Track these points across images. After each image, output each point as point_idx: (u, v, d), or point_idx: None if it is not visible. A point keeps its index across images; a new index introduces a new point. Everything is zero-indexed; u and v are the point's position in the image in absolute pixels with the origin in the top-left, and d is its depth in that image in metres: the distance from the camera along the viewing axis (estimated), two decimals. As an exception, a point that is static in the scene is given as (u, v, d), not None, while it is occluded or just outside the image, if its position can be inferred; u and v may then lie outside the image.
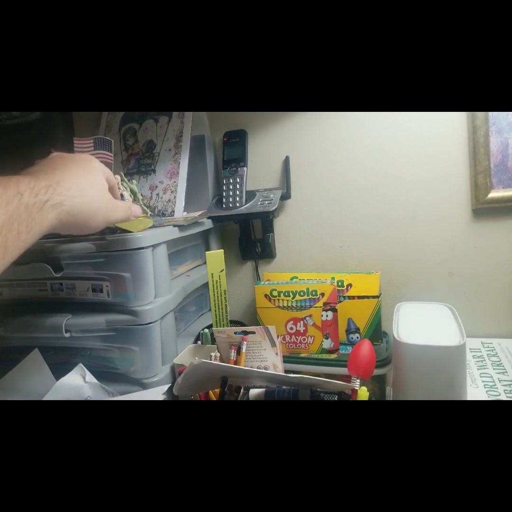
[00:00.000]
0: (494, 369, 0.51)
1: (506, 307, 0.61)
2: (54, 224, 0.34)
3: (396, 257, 0.66)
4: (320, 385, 0.41)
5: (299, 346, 0.60)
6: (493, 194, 0.61)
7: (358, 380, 0.41)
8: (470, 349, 0.57)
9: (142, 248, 0.47)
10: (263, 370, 0.41)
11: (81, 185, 0.36)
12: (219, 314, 0.58)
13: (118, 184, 0.51)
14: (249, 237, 0.74)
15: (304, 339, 0.59)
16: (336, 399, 0.42)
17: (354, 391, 0.41)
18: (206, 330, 0.57)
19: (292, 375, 0.41)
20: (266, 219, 0.71)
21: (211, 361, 0.39)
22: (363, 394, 0.40)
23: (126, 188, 0.58)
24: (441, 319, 0.48)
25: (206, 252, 0.56)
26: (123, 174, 0.59)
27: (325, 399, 0.43)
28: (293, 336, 0.60)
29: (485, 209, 0.62)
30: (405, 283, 0.66)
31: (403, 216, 0.66)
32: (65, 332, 0.48)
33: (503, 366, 0.52)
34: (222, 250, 0.57)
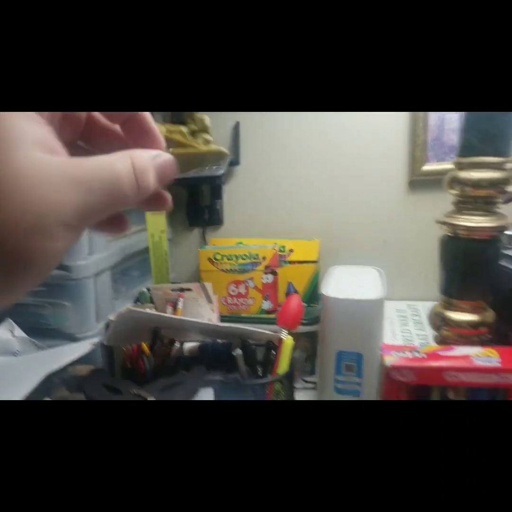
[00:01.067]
0: (414, 326, 0.56)
1: (431, 273, 0.66)
2: None
3: (336, 225, 0.69)
4: (249, 335, 0.43)
5: (240, 307, 0.61)
6: (427, 167, 0.65)
7: (285, 331, 0.44)
8: (396, 309, 0.61)
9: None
10: (193, 319, 0.43)
11: None
12: (159, 275, 0.58)
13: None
14: (197, 203, 0.74)
15: (245, 301, 0.61)
16: (264, 348, 0.44)
17: (281, 341, 0.43)
18: (145, 290, 0.57)
19: (222, 324, 0.42)
20: (214, 185, 0.71)
21: (139, 309, 0.39)
22: (288, 342, 0.43)
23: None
24: (368, 279, 0.51)
25: (146, 212, 0.55)
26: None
27: (256, 351, 0.46)
28: (234, 298, 0.62)
29: (419, 181, 0.66)
30: (343, 250, 0.69)
31: (346, 187, 0.68)
32: (-8, 287, 0.46)
33: (422, 323, 0.57)
34: (163, 211, 0.56)
